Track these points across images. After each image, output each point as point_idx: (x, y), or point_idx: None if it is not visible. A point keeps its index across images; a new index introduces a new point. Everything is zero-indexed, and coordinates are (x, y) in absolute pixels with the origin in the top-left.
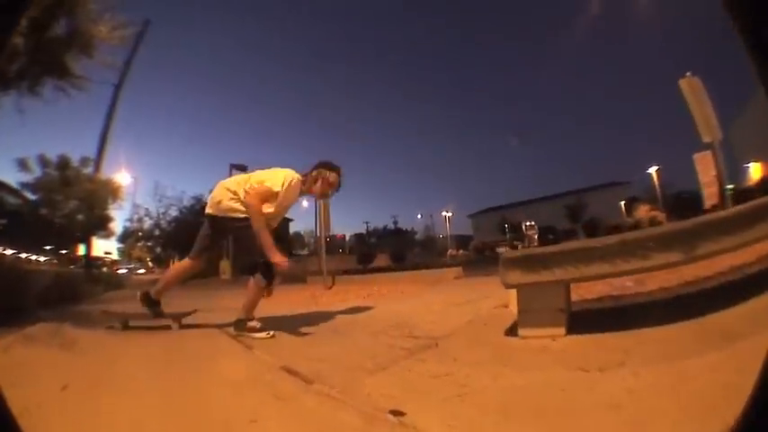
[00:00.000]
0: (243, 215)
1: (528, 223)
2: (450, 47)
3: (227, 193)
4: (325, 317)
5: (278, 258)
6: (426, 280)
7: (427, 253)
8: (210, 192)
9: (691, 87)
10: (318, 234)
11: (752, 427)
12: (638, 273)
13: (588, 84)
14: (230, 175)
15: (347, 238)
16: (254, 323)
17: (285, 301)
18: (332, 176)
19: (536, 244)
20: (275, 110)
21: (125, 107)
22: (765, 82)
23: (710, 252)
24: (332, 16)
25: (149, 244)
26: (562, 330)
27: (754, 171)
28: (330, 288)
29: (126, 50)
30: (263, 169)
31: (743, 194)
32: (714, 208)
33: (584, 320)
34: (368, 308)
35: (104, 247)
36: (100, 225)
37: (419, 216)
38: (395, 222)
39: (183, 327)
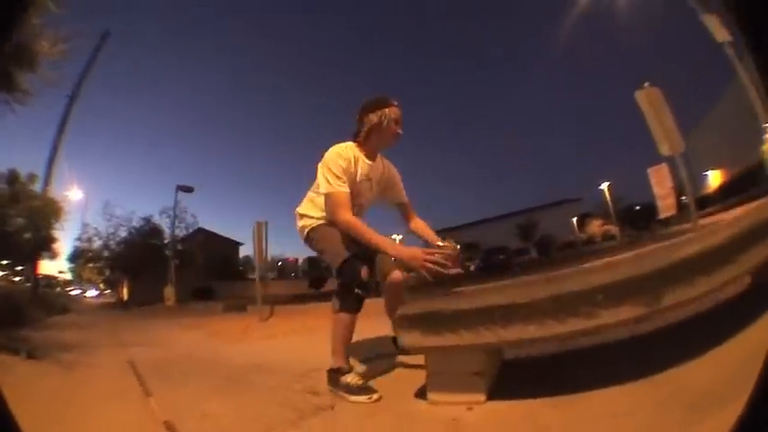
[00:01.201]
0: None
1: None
2: (402, 63)
3: None
4: (238, 358)
5: (409, 252)
6: (371, 312)
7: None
8: None
9: (649, 99)
10: (256, 258)
11: (752, 427)
12: (579, 335)
13: (538, 103)
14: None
15: (300, 261)
16: (351, 377)
17: (212, 334)
18: (375, 119)
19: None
20: (229, 131)
21: (80, 121)
22: (766, 82)
23: (680, 302)
24: (285, 38)
25: (99, 265)
26: (481, 397)
27: (713, 179)
28: (266, 320)
29: (81, 62)
30: None
31: (700, 202)
32: (670, 219)
33: (517, 379)
34: (288, 348)
35: (58, 266)
36: (44, 245)
37: None
38: None
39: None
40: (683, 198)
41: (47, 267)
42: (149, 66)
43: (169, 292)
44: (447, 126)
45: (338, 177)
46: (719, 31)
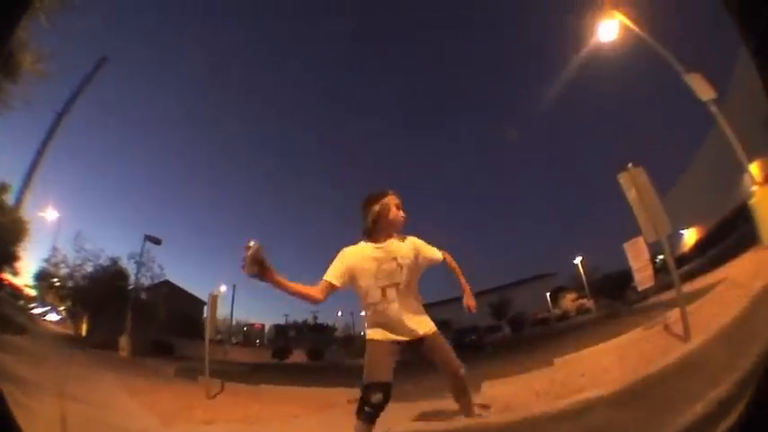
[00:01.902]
0: None
1: None
2: (368, 136)
3: None
4: None
5: None
6: (327, 399)
7: (345, 352)
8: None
9: (634, 180)
10: (207, 332)
11: (752, 426)
12: None
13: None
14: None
15: (266, 328)
16: None
17: (152, 405)
18: (378, 209)
19: None
20: (213, 190)
21: (68, 143)
22: (766, 85)
23: None
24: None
25: (62, 293)
26: None
27: (689, 237)
28: (213, 397)
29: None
30: None
31: (678, 261)
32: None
33: None
34: None
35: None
36: (7, 261)
37: (339, 313)
38: (314, 317)
39: None
40: (659, 258)
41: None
42: (144, 103)
43: (124, 342)
44: (423, 205)
45: (331, 271)
46: (704, 90)
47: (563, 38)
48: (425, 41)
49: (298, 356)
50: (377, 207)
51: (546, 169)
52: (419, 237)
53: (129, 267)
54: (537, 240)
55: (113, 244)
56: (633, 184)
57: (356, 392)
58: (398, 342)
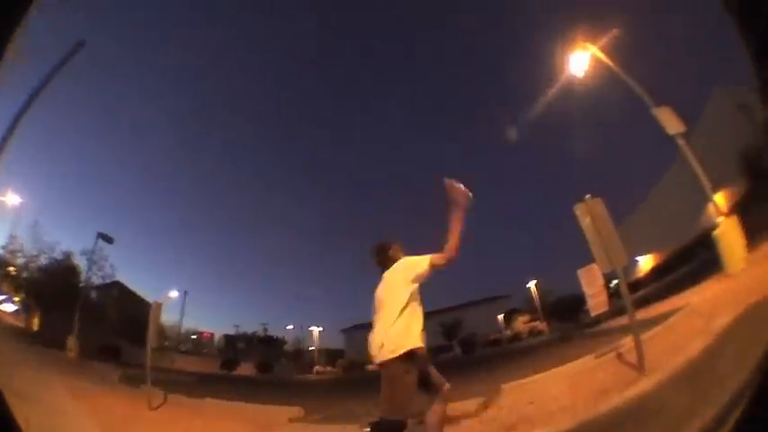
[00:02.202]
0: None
1: None
2: (323, 163)
3: None
4: None
5: None
6: (269, 418)
7: (294, 366)
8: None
9: (591, 211)
10: (148, 341)
11: (752, 426)
12: None
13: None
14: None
15: (216, 337)
16: None
17: (94, 414)
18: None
19: None
20: (174, 195)
21: (38, 130)
22: (765, 83)
23: None
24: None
25: (17, 283)
26: None
27: (645, 263)
28: (156, 408)
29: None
30: None
31: (633, 286)
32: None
33: None
34: None
35: None
36: None
37: (290, 327)
38: (265, 329)
39: None
40: (614, 282)
41: None
42: (114, 99)
43: (72, 342)
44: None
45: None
46: (672, 123)
47: (534, 68)
48: (398, 75)
49: (246, 369)
50: (393, 252)
51: (506, 193)
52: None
53: (82, 264)
54: (492, 262)
55: (69, 238)
56: (589, 215)
57: (298, 411)
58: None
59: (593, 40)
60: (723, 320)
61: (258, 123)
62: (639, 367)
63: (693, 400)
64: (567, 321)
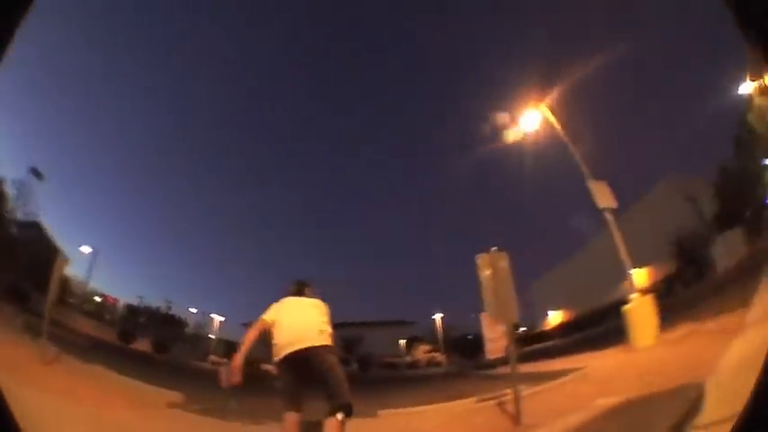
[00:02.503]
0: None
1: None
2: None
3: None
4: None
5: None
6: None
7: (191, 351)
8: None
9: (493, 264)
10: (48, 297)
11: (752, 426)
12: None
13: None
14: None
15: (119, 304)
16: None
17: None
18: None
19: None
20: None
21: None
22: (765, 81)
23: None
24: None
25: None
26: None
27: (553, 318)
28: (49, 364)
29: None
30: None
31: (537, 337)
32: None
33: None
34: None
35: None
36: None
37: (193, 310)
38: (168, 307)
39: None
40: (521, 330)
41: None
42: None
43: None
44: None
45: None
46: (604, 198)
47: (485, 120)
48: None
49: (143, 344)
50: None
51: (435, 228)
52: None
53: (10, 193)
54: (405, 288)
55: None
56: (491, 267)
57: (179, 397)
58: None
59: (547, 102)
60: (609, 401)
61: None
62: (516, 420)
63: None
64: (466, 358)
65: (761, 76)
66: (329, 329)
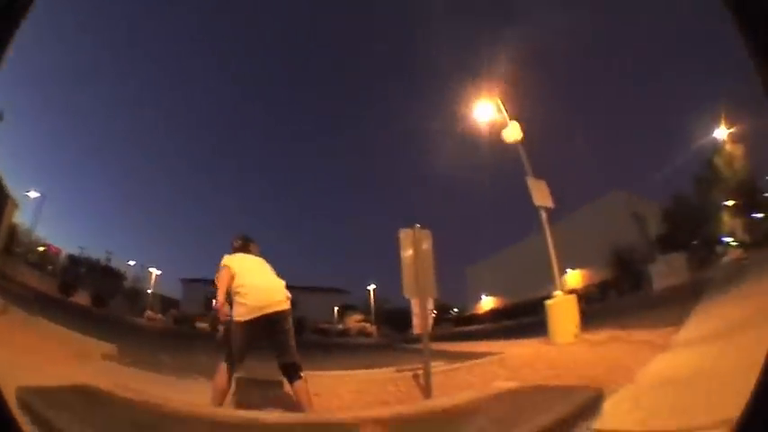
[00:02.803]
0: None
1: None
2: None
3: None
4: None
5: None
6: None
7: (128, 305)
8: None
9: (416, 241)
10: None
11: (752, 426)
12: None
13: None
14: None
15: (62, 254)
16: None
17: None
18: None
19: None
20: None
21: None
22: (766, 82)
23: None
24: None
25: None
26: None
27: (486, 303)
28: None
29: None
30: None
31: (467, 319)
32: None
33: None
34: None
35: None
36: None
37: (132, 262)
38: (108, 258)
39: None
40: (454, 310)
41: None
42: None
43: None
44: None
45: None
46: (541, 196)
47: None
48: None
49: (83, 297)
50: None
51: (373, 200)
52: None
53: None
54: (343, 257)
55: None
56: (413, 244)
57: (113, 348)
58: None
59: (500, 95)
60: (505, 384)
61: None
62: (425, 392)
63: None
64: (397, 332)
65: (735, 125)
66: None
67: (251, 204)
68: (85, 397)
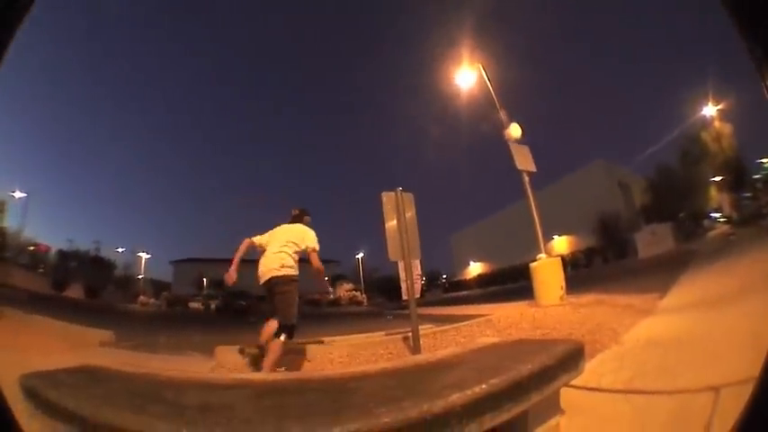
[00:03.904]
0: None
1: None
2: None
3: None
4: None
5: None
6: (75, 338)
7: (121, 293)
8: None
9: (399, 203)
10: None
11: (752, 426)
12: None
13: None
14: None
15: (51, 251)
16: None
17: None
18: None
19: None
20: None
21: None
22: (765, 81)
23: None
24: None
25: None
26: None
27: (473, 269)
28: None
29: None
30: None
31: (456, 285)
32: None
33: None
34: None
35: None
36: None
37: (121, 249)
38: (97, 249)
39: None
40: (443, 277)
41: None
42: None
43: None
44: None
45: None
46: (523, 161)
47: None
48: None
49: (75, 291)
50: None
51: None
52: None
53: None
54: (338, 228)
55: None
56: (396, 207)
57: (110, 335)
58: None
59: (484, 61)
60: (488, 339)
61: None
62: (415, 351)
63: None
64: (388, 300)
65: (723, 102)
66: (292, 261)
67: (234, 180)
68: (86, 375)
